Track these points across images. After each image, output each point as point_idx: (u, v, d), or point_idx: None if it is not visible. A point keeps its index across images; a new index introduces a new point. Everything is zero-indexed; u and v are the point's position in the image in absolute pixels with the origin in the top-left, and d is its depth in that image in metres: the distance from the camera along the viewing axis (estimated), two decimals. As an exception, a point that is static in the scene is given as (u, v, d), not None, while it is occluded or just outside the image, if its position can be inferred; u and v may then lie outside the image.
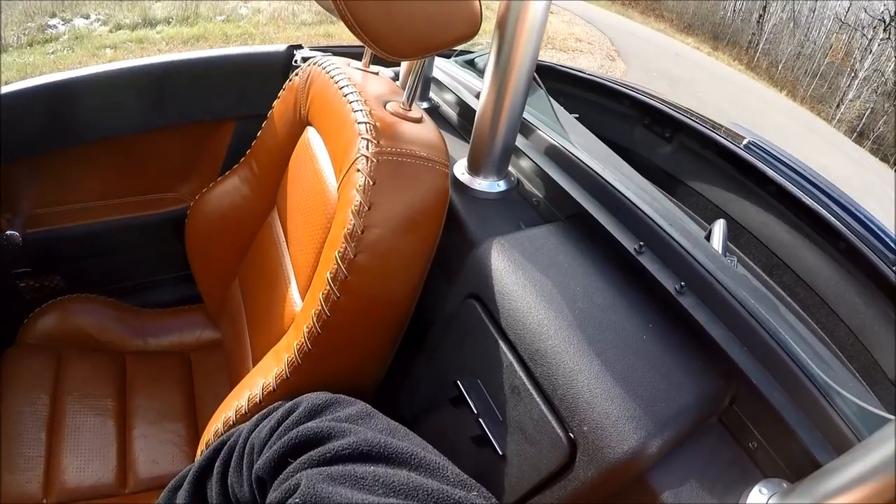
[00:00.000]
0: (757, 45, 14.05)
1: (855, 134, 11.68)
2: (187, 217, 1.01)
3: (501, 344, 0.59)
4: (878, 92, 12.03)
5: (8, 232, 0.97)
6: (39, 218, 1.06)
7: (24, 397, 0.90)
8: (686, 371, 0.54)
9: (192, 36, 5.03)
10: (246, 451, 0.50)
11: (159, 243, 1.18)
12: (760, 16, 14.15)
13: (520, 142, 0.80)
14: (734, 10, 14.45)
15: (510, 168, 0.80)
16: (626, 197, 0.67)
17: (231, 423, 0.68)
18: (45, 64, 4.09)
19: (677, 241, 0.62)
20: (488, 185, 0.76)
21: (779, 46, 13.77)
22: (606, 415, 0.48)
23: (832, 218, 0.98)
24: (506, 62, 0.65)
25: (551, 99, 0.92)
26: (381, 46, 0.59)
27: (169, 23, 5.23)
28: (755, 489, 0.49)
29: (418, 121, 0.70)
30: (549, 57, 6.83)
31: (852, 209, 1.05)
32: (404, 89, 0.72)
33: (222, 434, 0.65)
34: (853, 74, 12.59)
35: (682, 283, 0.59)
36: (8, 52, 4.20)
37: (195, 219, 1.00)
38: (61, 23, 4.86)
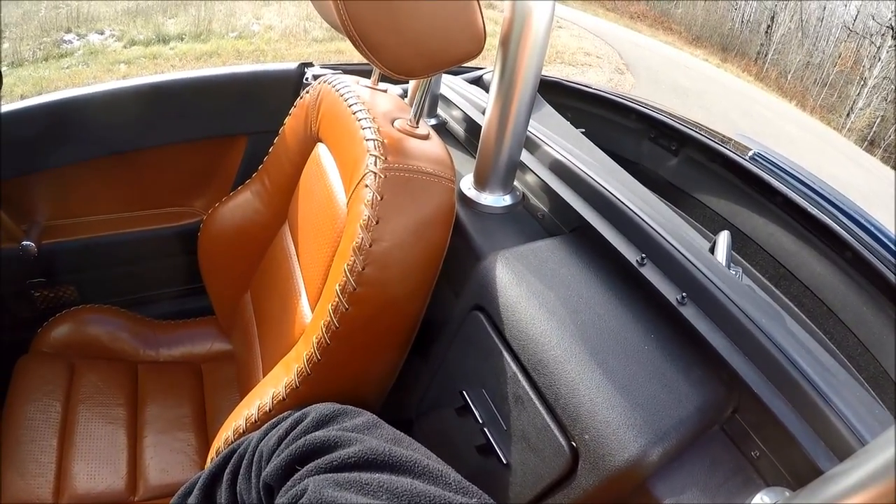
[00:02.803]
0: (766, 55, 14.03)
1: (866, 143, 11.59)
2: (200, 230, 1.03)
3: (505, 354, 0.60)
4: (889, 100, 11.95)
5: (24, 242, 0.99)
6: (55, 229, 1.08)
7: (36, 404, 0.92)
8: (687, 380, 0.54)
9: (205, 52, 5.11)
10: (255, 459, 0.51)
11: (172, 256, 1.20)
12: (769, 26, 14.14)
13: (525, 157, 0.81)
14: (742, 21, 14.45)
15: (516, 183, 0.81)
16: (628, 209, 0.68)
17: (241, 431, 0.69)
18: (60, 78, 4.17)
19: (679, 253, 0.63)
20: (494, 199, 0.77)
21: (787, 56, 13.74)
22: (607, 423, 0.49)
23: (838, 227, 0.98)
24: (510, 78, 0.66)
25: (557, 113, 0.94)
26: (387, 65, 0.60)
27: (182, 39, 5.32)
28: (757, 497, 0.50)
29: (425, 137, 0.71)
30: (558, 71, 6.87)
31: (858, 218, 1.04)
32: (412, 106, 0.74)
33: (232, 442, 0.67)
34: (862, 83, 12.53)
35: (684, 294, 0.60)
36: (24, 67, 4.29)
37: (208, 232, 1.02)
38: (76, 38, 4.96)
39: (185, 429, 0.99)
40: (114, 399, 0.98)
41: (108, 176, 1.10)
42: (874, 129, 11.85)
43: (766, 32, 14.11)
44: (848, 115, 12.43)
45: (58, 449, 0.89)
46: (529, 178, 0.81)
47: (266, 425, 0.56)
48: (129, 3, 5.67)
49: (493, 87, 0.69)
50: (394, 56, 0.60)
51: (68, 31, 5.02)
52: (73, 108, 0.99)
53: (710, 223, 1.20)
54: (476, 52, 0.63)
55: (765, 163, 1.16)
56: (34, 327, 1.06)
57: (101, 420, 0.95)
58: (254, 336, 0.97)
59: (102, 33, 5.16)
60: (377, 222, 0.62)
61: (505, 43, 0.65)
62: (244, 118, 1.14)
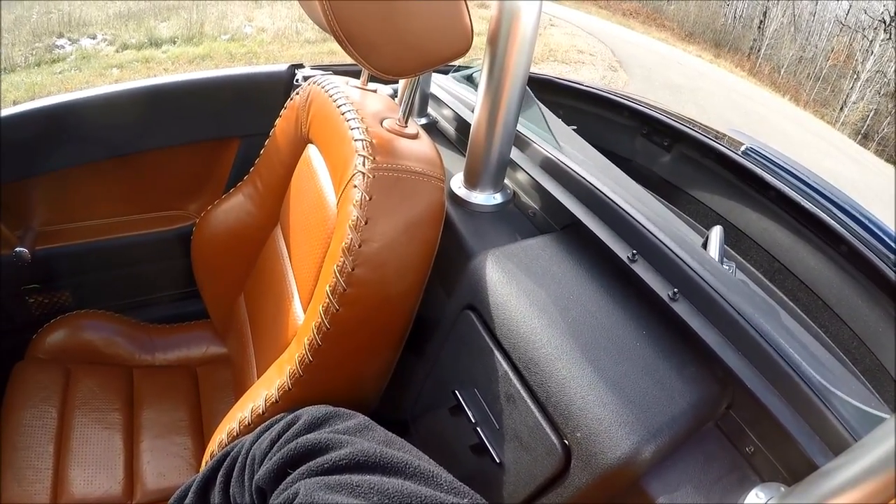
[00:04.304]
0: (759, 50, 14.05)
1: (859, 136, 11.62)
2: (193, 233, 1.03)
3: (497, 353, 0.60)
4: (882, 93, 11.97)
5: (18, 248, 0.99)
6: (48, 235, 1.08)
7: (32, 410, 0.92)
8: (680, 377, 0.54)
9: (198, 55, 5.10)
10: (247, 463, 0.51)
11: (166, 259, 1.20)
12: (761, 21, 14.16)
13: (516, 155, 0.81)
14: (735, 17, 14.47)
15: (506, 181, 0.81)
16: (619, 206, 0.68)
17: (235, 434, 0.69)
18: (53, 83, 4.16)
19: (670, 249, 0.63)
20: (484, 198, 0.77)
21: (780, 51, 13.76)
22: (599, 421, 0.49)
23: (832, 221, 0.98)
24: (498, 77, 0.66)
25: (547, 110, 0.93)
26: (374, 66, 0.60)
27: (174, 42, 5.31)
28: (752, 493, 0.50)
29: (414, 137, 0.71)
30: (551, 69, 6.87)
31: (852, 211, 1.04)
32: (401, 106, 0.74)
33: (226, 445, 0.67)
34: (855, 77, 12.56)
35: (676, 290, 0.60)
36: (16, 72, 4.28)
37: (201, 235, 1.02)
38: (68, 43, 4.95)
39: (182, 433, 0.99)
40: (110, 404, 0.98)
41: (101, 180, 1.10)
42: (868, 122, 11.87)
43: (759, 28, 14.13)
44: (841, 108, 12.45)
45: (54, 454, 0.88)
46: (520, 176, 0.81)
47: (259, 428, 0.56)
48: (120, 7, 5.66)
49: (482, 86, 0.68)
50: (380, 56, 0.60)
51: (60, 35, 5.01)
52: (65, 113, 0.99)
53: (704, 219, 1.20)
54: (463, 50, 0.62)
55: (758, 157, 1.16)
56: (29, 333, 1.06)
57: (98, 425, 0.94)
58: (248, 339, 0.97)
59: (94, 38, 5.15)
60: (366, 223, 0.62)
61: (493, 41, 0.65)
62: (235, 120, 1.13)
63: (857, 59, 12.84)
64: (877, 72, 12.32)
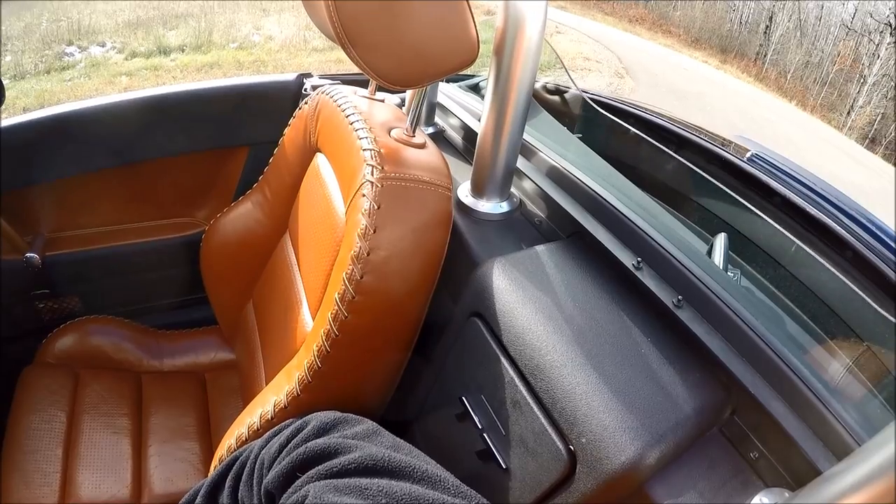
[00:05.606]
0: (765, 56, 14.00)
1: (867, 140, 11.54)
2: (202, 241, 1.04)
3: (503, 360, 0.60)
4: (889, 97, 11.89)
5: (28, 254, 1.00)
6: (59, 241, 1.09)
7: (41, 414, 0.93)
8: (685, 383, 0.55)
9: (206, 63, 5.13)
10: (256, 467, 0.52)
11: (175, 266, 1.21)
12: (767, 26, 14.12)
13: (522, 164, 0.82)
14: (741, 23, 14.44)
15: (513, 189, 0.81)
16: (624, 215, 0.69)
17: (244, 439, 0.70)
18: (63, 91, 4.19)
19: (674, 257, 0.63)
20: (491, 206, 0.78)
21: (787, 56, 13.70)
22: (604, 427, 0.49)
23: (837, 227, 0.98)
24: (504, 86, 0.67)
25: (554, 119, 0.94)
26: (381, 76, 0.61)
27: (183, 50, 5.34)
28: (756, 498, 0.50)
29: (421, 146, 0.72)
30: (556, 78, 6.86)
31: (857, 216, 1.04)
32: (408, 115, 0.75)
33: (235, 450, 0.67)
34: (862, 80, 12.49)
35: (680, 297, 0.60)
36: (26, 79, 4.32)
37: (210, 242, 1.03)
38: (78, 51, 4.99)
39: (190, 438, 1.00)
40: (118, 409, 0.99)
41: (111, 187, 1.11)
42: (875, 126, 11.79)
43: (765, 33, 14.08)
44: (848, 113, 12.37)
45: (62, 458, 0.89)
46: (526, 184, 0.82)
47: (268, 433, 0.56)
48: (129, 16, 5.71)
49: (488, 95, 0.69)
50: (385, 64, 0.60)
51: (70, 43, 5.05)
52: (76, 121, 1.00)
53: (709, 226, 1.21)
54: (470, 61, 0.63)
55: (763, 164, 1.16)
56: (39, 338, 1.07)
57: (106, 430, 0.95)
58: (256, 345, 0.98)
59: (104, 45, 5.19)
60: (374, 231, 0.62)
61: (498, 51, 0.65)
62: (245, 129, 1.15)
63: (863, 63, 12.77)
64: (883, 75, 12.24)
